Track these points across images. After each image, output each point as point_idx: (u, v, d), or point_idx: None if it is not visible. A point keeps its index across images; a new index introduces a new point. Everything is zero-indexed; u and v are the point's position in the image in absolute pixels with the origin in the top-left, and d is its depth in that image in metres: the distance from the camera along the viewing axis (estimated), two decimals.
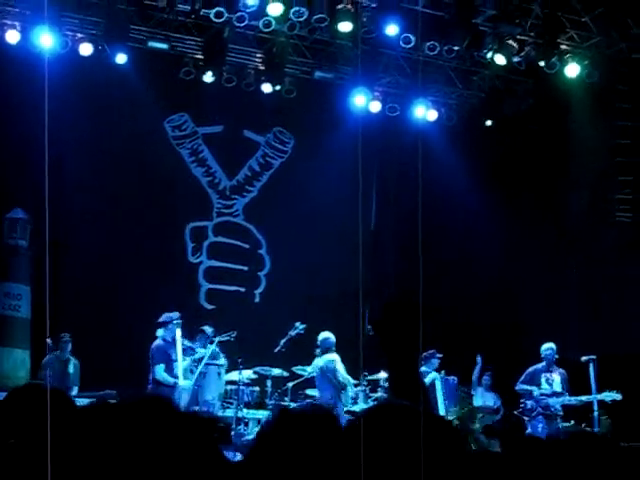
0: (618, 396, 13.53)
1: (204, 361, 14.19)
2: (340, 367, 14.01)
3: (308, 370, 14.46)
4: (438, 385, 14.82)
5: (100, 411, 1.52)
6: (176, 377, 13.62)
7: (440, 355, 14.85)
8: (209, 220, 18.52)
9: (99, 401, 1.58)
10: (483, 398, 15.78)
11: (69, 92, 14.85)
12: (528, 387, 14.13)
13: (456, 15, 15.62)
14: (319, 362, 14.13)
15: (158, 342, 13.78)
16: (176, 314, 13.90)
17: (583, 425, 12.84)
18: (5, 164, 15.85)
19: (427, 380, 14.58)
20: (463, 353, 16.03)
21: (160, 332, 13.93)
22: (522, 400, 14.30)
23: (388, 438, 2.12)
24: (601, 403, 13.68)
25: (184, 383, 13.63)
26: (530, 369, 14.28)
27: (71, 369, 14.32)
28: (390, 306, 2.67)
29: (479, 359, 15.79)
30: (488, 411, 15.78)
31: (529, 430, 13.97)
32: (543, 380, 14.06)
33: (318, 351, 14.21)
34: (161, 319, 13.94)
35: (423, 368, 14.67)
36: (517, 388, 14.36)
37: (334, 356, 14.09)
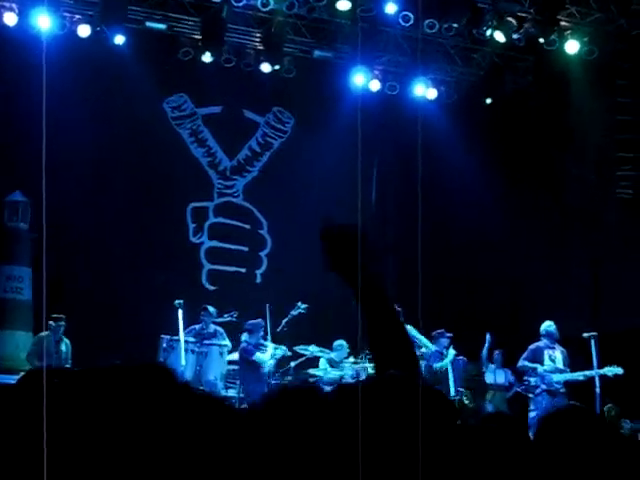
0: (619, 370, 13.56)
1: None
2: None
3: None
4: (449, 366, 14.83)
5: (97, 375, 1.51)
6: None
7: (450, 334, 14.84)
8: (210, 200, 18.52)
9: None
10: (494, 375, 15.77)
11: (67, 73, 14.81)
12: (531, 364, 14.13)
13: None
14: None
15: (243, 345, 14.32)
16: (262, 322, 14.41)
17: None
18: (4, 147, 15.84)
19: (447, 360, 14.60)
20: (467, 332, 16.04)
21: (245, 337, 14.40)
22: (525, 377, 14.32)
23: (384, 409, 2.13)
24: (604, 384, 13.66)
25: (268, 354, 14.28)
26: (532, 346, 14.28)
27: (63, 347, 14.33)
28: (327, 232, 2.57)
29: (488, 337, 15.73)
30: (499, 388, 15.79)
31: (532, 407, 14.00)
32: (546, 357, 14.06)
33: None
34: (247, 326, 14.23)
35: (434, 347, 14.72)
36: (519, 365, 14.37)
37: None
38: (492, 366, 15.90)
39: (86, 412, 1.36)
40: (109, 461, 1.32)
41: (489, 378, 15.76)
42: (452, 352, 14.70)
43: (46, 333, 14.00)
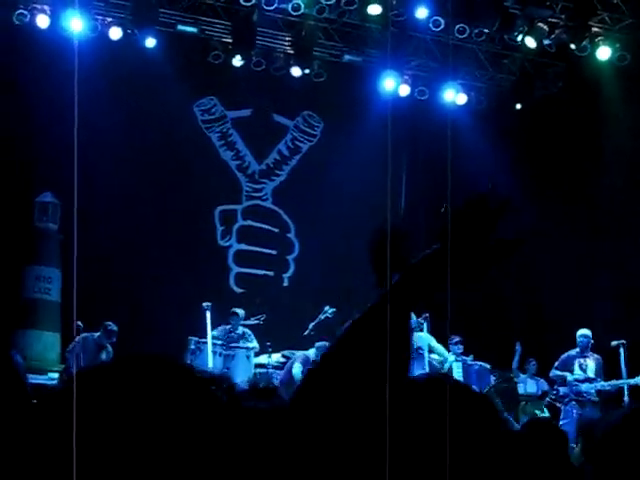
0: None
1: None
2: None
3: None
4: (456, 369, 14.80)
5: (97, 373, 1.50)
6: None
7: (458, 339, 14.84)
8: (238, 204, 18.55)
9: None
10: (525, 385, 15.67)
11: (99, 76, 14.88)
12: (561, 373, 14.05)
13: None
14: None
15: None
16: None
17: None
18: (36, 148, 15.93)
19: (446, 364, 14.66)
20: (494, 339, 15.99)
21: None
22: (555, 387, 14.25)
23: (420, 411, 2.11)
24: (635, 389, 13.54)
25: None
26: (564, 355, 14.20)
27: (104, 355, 14.36)
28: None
29: (518, 347, 15.64)
30: (531, 398, 15.68)
31: (562, 416, 13.91)
32: (576, 366, 13.98)
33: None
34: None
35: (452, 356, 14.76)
36: (551, 375, 14.31)
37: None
38: (523, 376, 15.79)
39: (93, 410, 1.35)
40: (115, 458, 1.31)
41: (520, 388, 15.67)
42: (450, 356, 14.74)
43: (84, 335, 13.98)
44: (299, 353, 14.46)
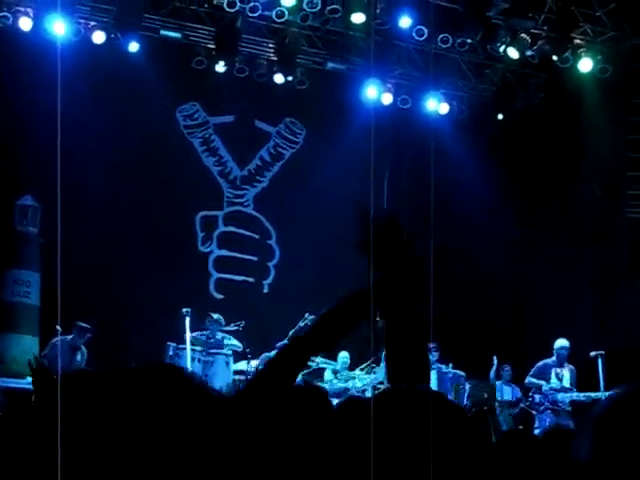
0: None
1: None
2: None
3: None
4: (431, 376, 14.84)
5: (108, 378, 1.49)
6: None
7: (431, 345, 14.88)
8: (220, 210, 18.52)
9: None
10: (500, 391, 15.72)
11: (81, 80, 14.84)
12: (537, 381, 14.09)
13: (469, 8, 15.60)
14: None
15: None
16: None
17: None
18: (17, 151, 15.87)
19: None
20: (472, 346, 16.00)
21: None
22: (530, 394, 14.29)
23: (397, 424, 2.11)
24: None
25: None
26: (540, 363, 14.23)
27: (79, 357, 14.32)
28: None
29: (495, 360, 15.69)
30: (505, 404, 15.73)
31: (537, 424, 13.96)
32: (553, 375, 14.02)
33: None
34: None
35: None
36: (526, 382, 14.35)
37: None
38: (498, 382, 15.86)
39: (102, 416, 1.35)
40: (125, 465, 1.31)
41: (497, 394, 15.73)
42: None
43: (59, 338, 13.95)
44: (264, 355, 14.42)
